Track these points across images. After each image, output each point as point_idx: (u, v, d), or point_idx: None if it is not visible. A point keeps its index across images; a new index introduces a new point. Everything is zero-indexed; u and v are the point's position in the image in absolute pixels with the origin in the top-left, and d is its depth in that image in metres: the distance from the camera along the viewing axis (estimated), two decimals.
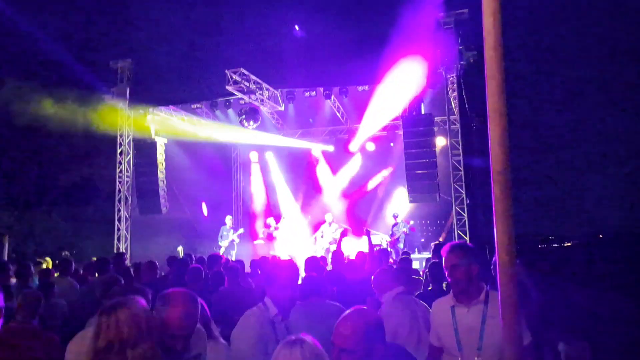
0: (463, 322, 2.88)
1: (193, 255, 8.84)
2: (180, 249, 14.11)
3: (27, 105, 13.15)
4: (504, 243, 1.41)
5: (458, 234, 12.10)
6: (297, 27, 12.55)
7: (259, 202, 18.85)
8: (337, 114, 16.27)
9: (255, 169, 19.02)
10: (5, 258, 11.82)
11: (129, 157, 14.35)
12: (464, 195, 12.18)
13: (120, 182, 14.25)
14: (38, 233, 16.85)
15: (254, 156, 18.98)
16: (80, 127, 13.66)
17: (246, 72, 12.57)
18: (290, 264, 3.30)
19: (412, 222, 14.24)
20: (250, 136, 16.63)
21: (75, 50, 15.94)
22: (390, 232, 14.16)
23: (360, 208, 16.70)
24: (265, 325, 2.99)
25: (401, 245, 13.37)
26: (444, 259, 3.01)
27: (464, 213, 12.16)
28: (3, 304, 3.30)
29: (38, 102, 13.07)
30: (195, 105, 15.16)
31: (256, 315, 3.05)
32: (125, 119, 14.35)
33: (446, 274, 3.00)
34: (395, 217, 14.19)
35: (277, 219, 16.13)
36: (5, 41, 15.40)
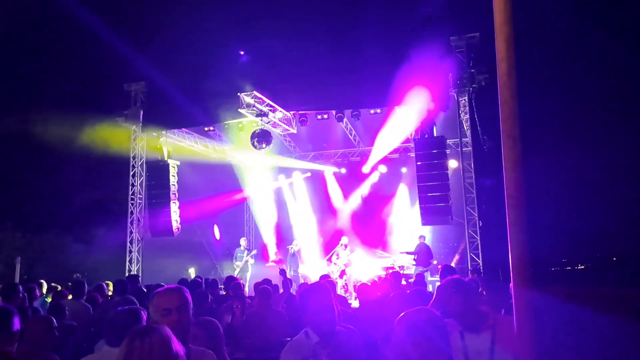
0: (472, 347, 2.86)
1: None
2: (191, 270, 14.13)
3: (40, 127, 13.36)
4: (519, 268, 1.40)
5: (471, 256, 11.98)
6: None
7: (271, 224, 18.86)
8: (350, 136, 16.35)
9: (267, 191, 19.07)
10: (17, 280, 11.89)
11: (141, 179, 14.46)
12: (476, 218, 12.10)
13: (132, 204, 14.33)
14: (50, 255, 16.94)
15: (266, 178, 19.04)
16: (93, 149, 13.80)
17: (259, 95, 12.69)
18: (319, 286, 3.19)
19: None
20: (263, 158, 16.75)
21: (89, 73, 16.21)
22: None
23: (373, 230, 16.63)
24: (306, 357, 2.89)
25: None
26: (437, 292, 3.04)
27: (477, 236, 12.06)
28: (19, 326, 3.30)
29: (51, 124, 13.26)
30: (207, 128, 15.31)
31: (296, 349, 2.95)
32: (138, 141, 14.51)
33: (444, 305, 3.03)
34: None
35: (291, 241, 16.12)
36: (19, 65, 15.71)
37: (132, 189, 14.36)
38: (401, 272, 12.79)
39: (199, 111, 13.27)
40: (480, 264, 11.74)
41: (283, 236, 18.16)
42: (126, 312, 3.22)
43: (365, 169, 16.81)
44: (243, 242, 15.04)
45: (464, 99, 12.42)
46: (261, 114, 13.13)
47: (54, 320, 3.88)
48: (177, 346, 2.17)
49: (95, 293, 7.17)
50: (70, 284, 8.15)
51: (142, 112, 14.07)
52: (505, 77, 1.40)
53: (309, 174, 18.20)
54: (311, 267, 15.32)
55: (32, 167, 16.65)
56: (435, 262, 13.82)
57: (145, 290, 7.25)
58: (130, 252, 14.08)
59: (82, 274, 10.62)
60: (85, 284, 7.05)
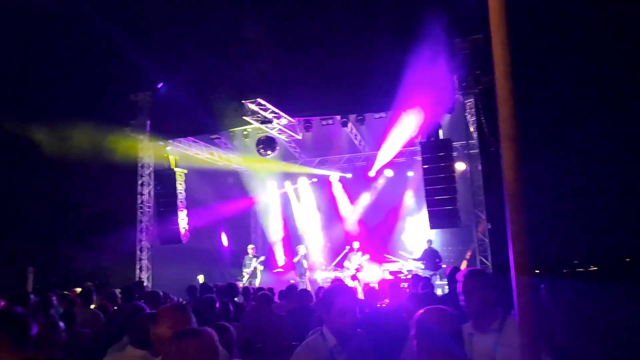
0: (478, 350, 2.80)
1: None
2: (200, 277, 14.17)
3: (49, 138, 13.47)
4: (520, 264, 1.42)
5: (480, 259, 11.94)
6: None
7: (278, 230, 18.90)
8: (355, 141, 16.37)
9: (273, 198, 19.12)
10: (30, 289, 12.02)
11: (149, 188, 14.54)
12: (484, 220, 12.05)
13: (141, 213, 14.41)
14: (61, 264, 17.07)
15: (272, 185, 19.10)
16: (102, 159, 13.92)
17: (263, 102, 12.74)
18: (347, 289, 3.09)
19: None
20: (268, 165, 16.81)
21: (96, 84, 16.36)
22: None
23: (380, 235, 16.62)
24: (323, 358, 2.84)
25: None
26: (459, 283, 2.98)
27: (486, 238, 12.02)
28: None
29: (60, 135, 13.38)
30: (213, 136, 15.40)
31: (312, 350, 2.89)
32: (146, 151, 14.60)
33: (461, 299, 2.97)
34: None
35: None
36: (26, 75, 15.87)
37: (140, 198, 14.44)
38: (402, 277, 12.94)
39: (204, 120, 13.33)
40: (490, 267, 11.70)
41: (290, 242, 18.19)
42: (149, 315, 3.29)
43: (371, 173, 16.81)
44: (250, 249, 15.10)
45: (470, 101, 12.40)
46: (265, 121, 13.19)
47: (61, 324, 3.93)
48: (217, 350, 2.22)
49: (105, 301, 7.25)
50: (78, 291, 8.22)
51: (148, 122, 14.15)
52: (502, 78, 1.43)
53: (315, 180, 18.23)
54: (318, 271, 15.36)
55: (42, 178, 16.79)
56: (444, 265, 13.81)
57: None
58: (140, 260, 14.15)
59: (93, 283, 10.71)
60: (94, 292, 7.12)
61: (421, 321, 2.34)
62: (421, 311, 2.40)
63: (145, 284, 13.20)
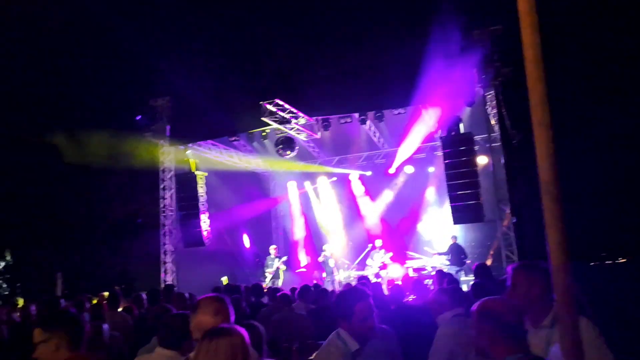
0: (531, 347, 2.72)
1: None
2: (224, 279, 14.27)
3: (72, 146, 13.69)
4: (557, 253, 1.38)
5: (506, 254, 11.78)
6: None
7: (299, 230, 18.93)
8: (374, 138, 16.29)
9: (294, 198, 19.15)
10: (59, 294, 12.24)
11: (171, 192, 14.68)
12: (509, 215, 11.86)
13: (164, 216, 14.55)
14: (88, 269, 17.33)
15: (292, 185, 19.13)
16: (124, 165, 14.09)
17: (281, 102, 12.75)
18: (363, 293, 3.01)
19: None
20: (288, 165, 16.84)
21: (116, 91, 16.57)
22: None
23: (402, 232, 16.53)
24: None
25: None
26: (507, 277, 2.90)
27: (511, 232, 11.83)
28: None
29: (84, 143, 13.59)
30: (232, 138, 15.47)
31: (333, 354, 2.87)
32: (166, 155, 14.74)
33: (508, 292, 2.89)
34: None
35: (319, 246, 16.19)
36: (47, 83, 16.13)
37: (162, 202, 14.58)
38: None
39: (223, 122, 13.41)
40: (516, 260, 11.54)
41: (312, 242, 18.21)
42: (179, 316, 3.33)
43: (392, 170, 16.71)
44: (273, 250, 15.15)
45: (491, 94, 12.21)
46: (284, 121, 13.19)
47: (105, 327, 3.99)
48: (248, 349, 2.23)
49: (132, 304, 7.34)
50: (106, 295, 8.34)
51: (168, 127, 14.26)
52: (532, 64, 1.39)
53: (334, 179, 18.21)
54: (341, 270, 15.35)
55: (67, 185, 17.07)
56: (469, 261, 13.66)
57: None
58: (165, 263, 14.29)
59: (120, 286, 10.89)
60: (120, 295, 7.22)
61: (485, 309, 2.22)
62: (483, 300, 2.29)
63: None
